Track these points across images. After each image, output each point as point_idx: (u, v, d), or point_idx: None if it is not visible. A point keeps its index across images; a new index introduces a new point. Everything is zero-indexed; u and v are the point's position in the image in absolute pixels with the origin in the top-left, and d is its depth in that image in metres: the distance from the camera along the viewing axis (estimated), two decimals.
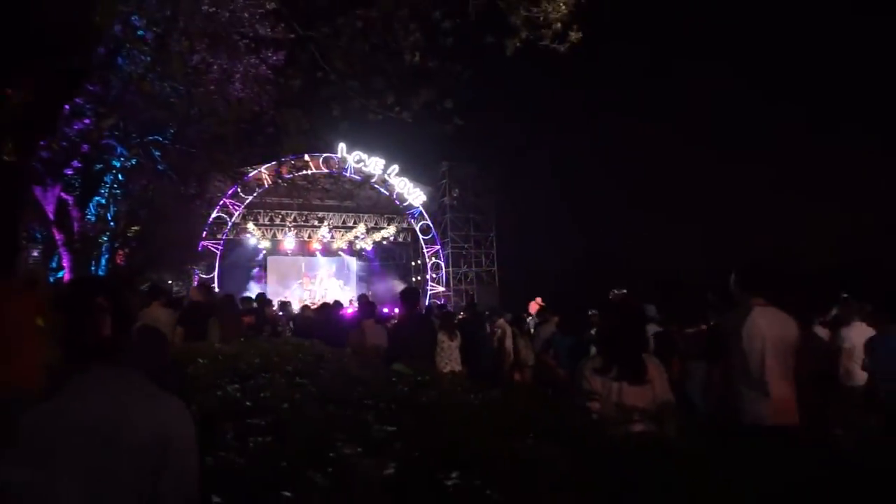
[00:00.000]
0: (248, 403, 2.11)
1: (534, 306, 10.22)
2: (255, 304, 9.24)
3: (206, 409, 2.14)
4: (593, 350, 4.72)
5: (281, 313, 11.10)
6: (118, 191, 12.04)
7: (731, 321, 3.45)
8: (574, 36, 5.88)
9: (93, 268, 11.38)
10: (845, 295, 6.28)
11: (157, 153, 11.16)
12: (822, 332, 6.22)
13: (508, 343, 8.47)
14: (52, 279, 10.50)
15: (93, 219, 10.98)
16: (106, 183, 11.26)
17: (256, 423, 1.83)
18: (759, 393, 3.26)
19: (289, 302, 15.57)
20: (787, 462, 1.35)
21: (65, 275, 9.88)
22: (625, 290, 7.43)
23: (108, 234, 12.05)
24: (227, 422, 1.88)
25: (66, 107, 7.77)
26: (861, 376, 5.31)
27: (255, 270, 27.64)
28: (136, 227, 13.91)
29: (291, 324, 10.61)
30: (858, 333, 5.62)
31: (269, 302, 10.96)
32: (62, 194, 9.50)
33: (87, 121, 9.25)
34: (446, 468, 1.23)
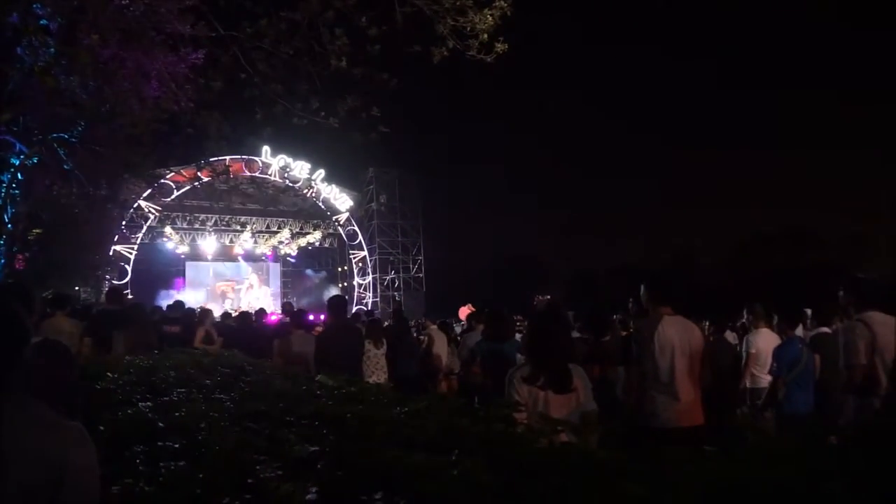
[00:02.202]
0: (160, 424, 1.99)
1: (464, 311, 10.21)
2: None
3: (114, 431, 2.00)
4: (519, 357, 4.79)
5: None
6: (17, 191, 11.15)
7: (643, 330, 3.64)
8: (500, 47, 5.98)
9: None
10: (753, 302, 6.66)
11: (63, 152, 10.41)
12: (731, 337, 6.61)
13: (437, 350, 8.46)
14: None
15: None
16: (3, 182, 10.40)
17: (169, 445, 1.73)
18: (670, 397, 3.48)
19: (209, 310, 14.95)
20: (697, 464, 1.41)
21: None
22: (549, 297, 7.61)
23: (4, 237, 11.14)
24: (138, 445, 1.77)
25: None
26: (765, 380, 5.67)
27: (173, 277, 26.42)
28: (38, 230, 12.97)
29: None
30: (764, 339, 6.00)
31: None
32: None
33: None
34: (369, 489, 1.21)
